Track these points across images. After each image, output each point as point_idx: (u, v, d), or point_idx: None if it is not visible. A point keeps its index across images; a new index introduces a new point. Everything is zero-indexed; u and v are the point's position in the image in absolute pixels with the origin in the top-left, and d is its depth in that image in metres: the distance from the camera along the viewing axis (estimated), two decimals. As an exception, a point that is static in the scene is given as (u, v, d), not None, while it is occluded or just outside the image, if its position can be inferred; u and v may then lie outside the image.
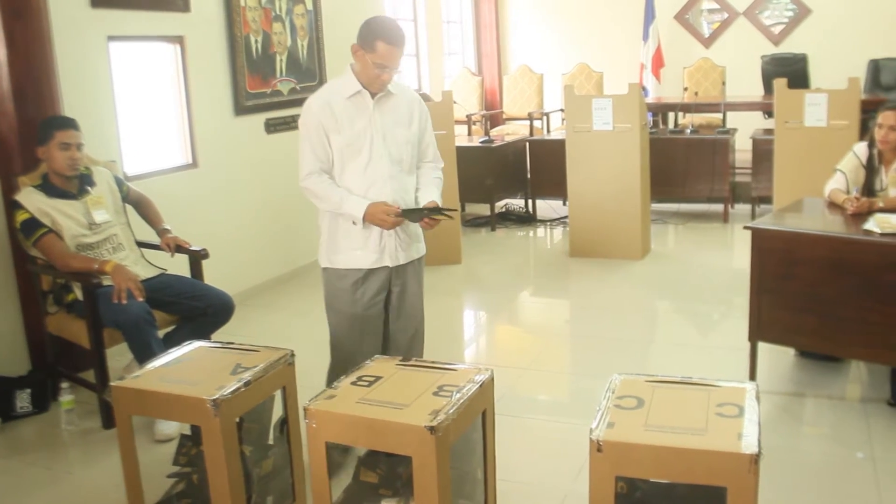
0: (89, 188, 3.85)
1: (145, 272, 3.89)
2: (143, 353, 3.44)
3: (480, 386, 2.50)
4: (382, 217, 3.07)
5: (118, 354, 4.00)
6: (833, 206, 4.11)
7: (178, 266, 4.09)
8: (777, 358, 4.20)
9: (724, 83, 8.58)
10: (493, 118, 9.72)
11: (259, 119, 5.80)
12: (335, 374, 3.30)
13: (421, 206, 3.21)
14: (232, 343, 2.97)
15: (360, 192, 3.12)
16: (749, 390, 2.35)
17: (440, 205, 3.24)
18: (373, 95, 3.12)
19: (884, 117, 4.03)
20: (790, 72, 7.64)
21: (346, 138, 3.09)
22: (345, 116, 3.09)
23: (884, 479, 3.11)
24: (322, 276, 3.31)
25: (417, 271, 3.39)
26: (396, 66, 3.06)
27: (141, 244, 4.06)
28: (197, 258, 4.04)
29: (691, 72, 9.25)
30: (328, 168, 3.15)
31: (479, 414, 2.55)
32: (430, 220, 3.17)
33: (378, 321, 3.30)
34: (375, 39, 3.00)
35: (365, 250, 3.18)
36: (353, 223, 3.13)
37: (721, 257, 6.58)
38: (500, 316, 5.47)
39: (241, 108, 5.59)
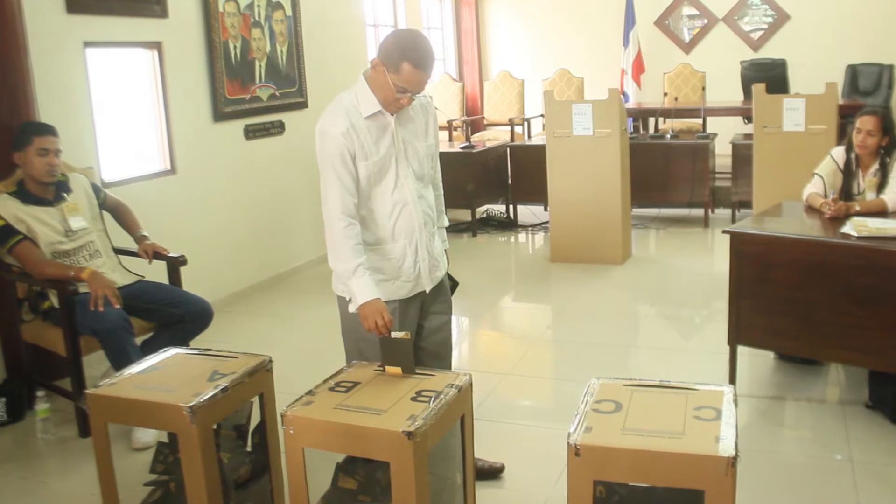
0: (66, 195, 3.82)
1: (122, 279, 3.86)
2: (121, 360, 3.41)
3: (459, 391, 2.50)
4: (374, 322, 2.70)
5: (96, 362, 3.97)
6: (811, 209, 4.14)
7: (157, 273, 4.06)
8: (756, 361, 4.22)
9: (703, 88, 8.64)
10: (474, 124, 9.73)
11: (238, 125, 5.78)
12: None
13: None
14: (209, 350, 2.95)
15: (388, 216, 2.82)
16: (726, 393, 2.35)
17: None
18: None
19: (861, 122, 4.06)
20: (769, 77, 7.71)
21: (375, 163, 2.76)
22: (370, 139, 2.75)
23: (862, 481, 3.13)
24: (343, 307, 2.93)
25: (447, 292, 3.15)
26: (420, 92, 2.73)
27: (118, 251, 4.03)
28: (175, 265, 4.01)
29: (671, 77, 9.30)
30: (356, 199, 2.77)
31: (457, 419, 2.54)
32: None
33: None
34: (402, 60, 2.62)
35: (398, 280, 2.88)
36: (349, 300, 2.80)
37: (701, 262, 6.61)
38: (481, 321, 5.46)
39: (219, 115, 5.56)
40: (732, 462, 2.00)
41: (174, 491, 2.74)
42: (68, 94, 4.47)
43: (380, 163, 2.77)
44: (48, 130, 3.74)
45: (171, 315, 3.80)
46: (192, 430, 2.47)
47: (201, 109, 5.45)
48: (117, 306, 3.54)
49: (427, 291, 2.97)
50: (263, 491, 2.86)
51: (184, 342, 3.73)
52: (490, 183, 7.76)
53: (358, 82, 2.79)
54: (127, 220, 4.10)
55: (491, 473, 3.21)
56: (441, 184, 3.10)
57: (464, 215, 7.90)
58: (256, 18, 5.88)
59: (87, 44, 4.61)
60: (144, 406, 2.56)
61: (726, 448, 2.03)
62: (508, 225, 7.92)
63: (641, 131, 8.65)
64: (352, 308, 2.79)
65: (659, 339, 4.86)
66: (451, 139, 8.93)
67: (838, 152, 4.23)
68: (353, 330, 2.93)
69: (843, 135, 4.58)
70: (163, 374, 2.76)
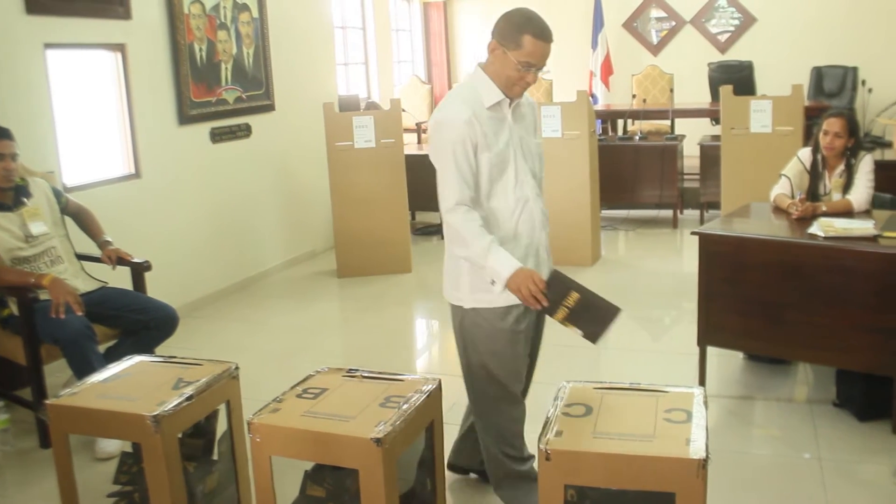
0: (25, 200, 3.73)
1: (85, 285, 3.79)
2: (83, 368, 3.33)
3: (428, 396, 2.47)
4: (529, 287, 2.54)
5: (58, 371, 3.89)
6: (778, 210, 4.16)
7: (120, 279, 3.99)
8: (726, 361, 4.24)
9: (671, 90, 8.70)
10: (444, 126, 9.68)
11: (204, 128, 5.70)
12: (504, 422, 2.83)
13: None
14: (174, 357, 2.90)
15: (510, 214, 2.69)
16: (697, 395, 2.35)
17: None
18: (509, 103, 2.70)
19: (829, 124, 4.09)
20: (736, 79, 7.77)
21: (494, 155, 2.64)
22: (490, 130, 2.64)
23: (830, 479, 3.14)
24: (465, 318, 2.78)
25: None
26: (544, 66, 2.66)
27: (81, 257, 3.95)
28: (139, 270, 3.94)
29: (640, 79, 9.34)
30: (474, 193, 2.65)
31: (427, 424, 2.51)
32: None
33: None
34: (522, 34, 2.58)
35: None
36: (492, 282, 2.65)
37: (671, 262, 6.64)
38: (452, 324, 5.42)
39: (185, 118, 5.49)
40: (703, 464, 1.99)
41: (138, 502, 2.69)
42: (28, 97, 4.38)
43: (501, 155, 2.66)
44: (3, 134, 3.64)
45: (136, 322, 3.73)
46: (156, 440, 2.42)
47: (166, 112, 5.38)
48: (79, 313, 3.47)
49: None
50: (231, 500, 2.82)
51: (149, 349, 3.66)
52: (460, 185, 7.71)
53: (474, 74, 2.71)
54: (90, 225, 4.02)
55: None
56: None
57: (433, 218, 7.89)
58: (222, 20, 5.81)
59: (48, 45, 4.52)
60: (107, 416, 2.51)
61: (697, 450, 2.03)
62: (478, 227, 7.88)
63: (610, 133, 8.69)
64: (498, 288, 2.63)
65: (629, 341, 4.86)
66: (419, 142, 8.90)
67: (805, 153, 4.26)
68: (482, 348, 2.77)
69: (809, 136, 4.62)
70: (126, 382, 2.70)
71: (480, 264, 2.61)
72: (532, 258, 2.75)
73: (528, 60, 2.59)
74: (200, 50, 5.61)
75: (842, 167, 4.13)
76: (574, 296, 2.53)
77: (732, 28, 9.66)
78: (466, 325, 2.78)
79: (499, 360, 2.75)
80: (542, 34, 2.60)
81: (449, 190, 2.62)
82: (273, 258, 6.48)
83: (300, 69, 6.74)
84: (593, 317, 2.52)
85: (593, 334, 2.49)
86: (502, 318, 2.70)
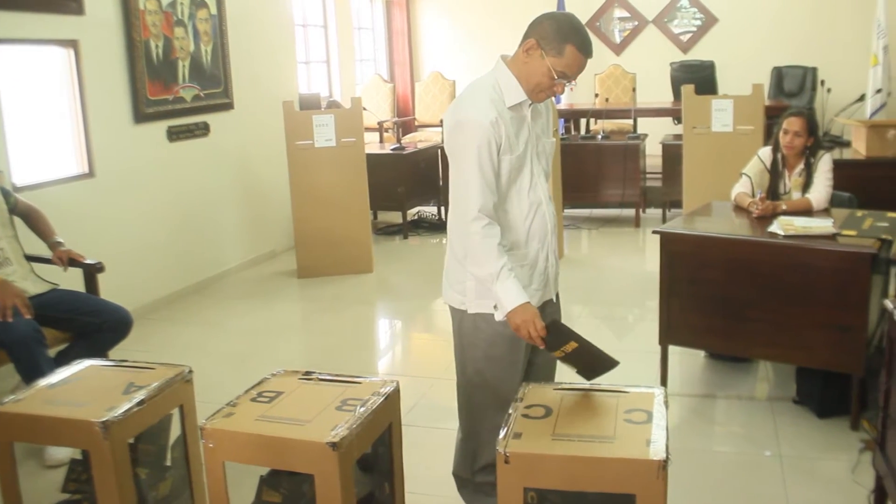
0: (-29, 200, 3.62)
1: (35, 287, 3.68)
2: (32, 373, 3.23)
3: (386, 398, 2.42)
4: (529, 329, 2.44)
5: (8, 376, 3.77)
6: (739, 209, 4.17)
7: (73, 281, 3.88)
8: (688, 360, 4.24)
9: (634, 89, 8.71)
10: (406, 125, 9.65)
11: (161, 127, 5.59)
12: (486, 429, 2.69)
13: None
14: (126, 361, 2.81)
15: (524, 218, 2.57)
16: (657, 395, 2.33)
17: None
18: (529, 103, 2.56)
19: (788, 123, 4.11)
20: (698, 78, 7.81)
21: (517, 157, 2.51)
22: (513, 131, 2.50)
23: (790, 475, 3.16)
24: (464, 320, 2.68)
25: (559, 305, 2.89)
26: (575, 79, 2.51)
27: (31, 258, 3.83)
28: (92, 272, 3.84)
29: (602, 78, 9.36)
30: (496, 198, 2.50)
31: (385, 427, 2.46)
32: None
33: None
34: (566, 43, 2.42)
35: (530, 288, 2.59)
36: (494, 307, 2.54)
37: (634, 261, 6.65)
38: (414, 324, 5.39)
39: (141, 116, 5.38)
40: (663, 465, 1.97)
41: (88, 510, 2.61)
42: (-24, 94, 4.26)
43: (520, 158, 2.52)
44: None
45: (88, 324, 3.63)
46: (105, 447, 2.34)
47: (121, 110, 5.26)
48: (27, 317, 3.37)
49: (554, 300, 2.77)
50: (184, 507, 2.75)
51: (102, 352, 3.58)
52: (421, 185, 7.70)
53: (497, 69, 2.59)
54: (40, 225, 3.90)
55: None
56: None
57: (395, 217, 7.83)
58: (179, 17, 5.70)
59: (-4, 41, 4.41)
60: (53, 423, 2.42)
61: (657, 451, 2.00)
62: (440, 227, 7.86)
63: (573, 132, 8.70)
64: (498, 316, 2.52)
65: (591, 340, 4.83)
66: (381, 140, 8.84)
67: (765, 152, 4.28)
68: (481, 353, 2.67)
69: (769, 135, 4.65)
70: (75, 387, 2.62)
71: (487, 286, 2.50)
72: (542, 262, 2.65)
73: (565, 71, 2.45)
74: (157, 47, 5.50)
75: (801, 166, 4.16)
76: (572, 345, 2.47)
77: (694, 28, 9.73)
78: (466, 327, 2.68)
79: (495, 365, 2.66)
80: (586, 48, 2.45)
81: (472, 196, 2.46)
82: (232, 259, 6.39)
83: (260, 67, 6.66)
84: (589, 365, 2.49)
85: (587, 376, 2.47)
86: (505, 324, 2.57)
